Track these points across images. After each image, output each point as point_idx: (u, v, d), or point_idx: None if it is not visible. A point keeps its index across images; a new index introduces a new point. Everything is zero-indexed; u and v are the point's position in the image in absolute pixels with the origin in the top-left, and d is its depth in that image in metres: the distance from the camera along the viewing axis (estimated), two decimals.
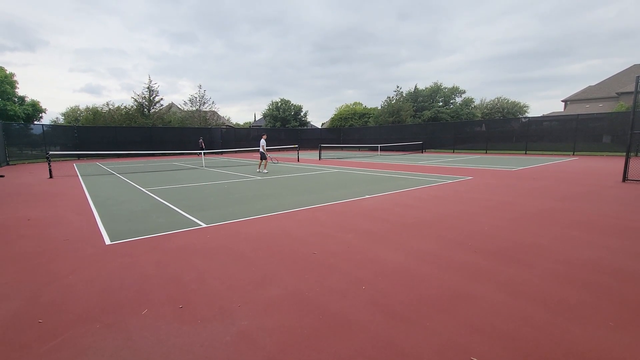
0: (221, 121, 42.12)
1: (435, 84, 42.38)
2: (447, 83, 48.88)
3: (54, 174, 12.56)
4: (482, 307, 2.59)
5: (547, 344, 2.13)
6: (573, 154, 20.89)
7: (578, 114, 22.39)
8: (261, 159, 12.96)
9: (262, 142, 13.11)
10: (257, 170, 13.24)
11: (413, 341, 2.18)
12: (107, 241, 4.38)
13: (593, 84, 37.82)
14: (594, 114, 22.66)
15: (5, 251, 4.10)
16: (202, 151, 20.56)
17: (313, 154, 25.10)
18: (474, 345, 2.12)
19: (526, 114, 47.81)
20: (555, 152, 22.04)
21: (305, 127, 46.11)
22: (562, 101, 39.77)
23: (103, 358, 2.06)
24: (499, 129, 26.18)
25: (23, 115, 25.79)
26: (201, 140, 28.84)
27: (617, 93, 32.30)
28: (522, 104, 49.30)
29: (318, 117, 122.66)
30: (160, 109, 34.22)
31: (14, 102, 25.52)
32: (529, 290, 2.86)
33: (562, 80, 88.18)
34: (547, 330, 2.28)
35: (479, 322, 2.39)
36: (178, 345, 2.18)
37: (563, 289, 2.89)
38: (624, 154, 9.44)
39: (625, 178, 9.14)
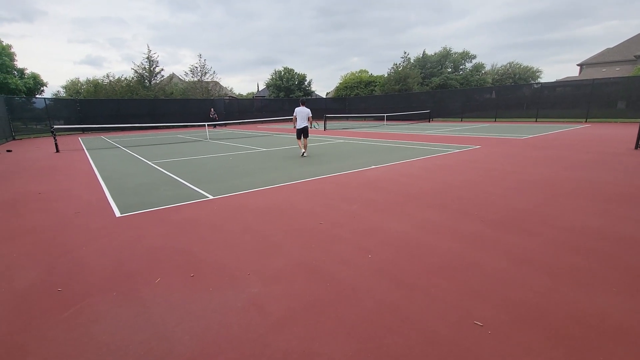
0: (224, 92, 41.31)
1: (445, 48, 40.60)
2: (456, 48, 46.73)
3: (60, 148, 12.64)
4: (486, 275, 2.63)
5: (549, 308, 2.17)
6: (585, 121, 20.27)
7: (594, 79, 21.39)
8: (305, 136, 9.20)
9: (308, 110, 9.16)
10: (303, 154, 9.27)
11: (417, 307, 2.24)
12: (117, 214, 4.47)
13: (611, 46, 35.89)
14: (610, 78, 21.68)
15: (19, 224, 4.22)
16: (215, 122, 19.43)
17: (318, 125, 24.73)
18: (477, 311, 2.17)
19: (539, 79, 46.08)
20: (567, 120, 21.39)
21: (310, 97, 45.11)
22: (578, 65, 38.02)
23: (120, 323, 2.17)
24: (509, 96, 25.32)
25: (24, 88, 25.46)
26: (212, 110, 27.92)
27: (635, 56, 30.72)
28: (535, 69, 47.45)
29: (323, 86, 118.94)
30: (161, 80, 33.57)
31: (14, 76, 25.11)
32: (533, 258, 2.89)
33: (578, 43, 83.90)
34: (549, 296, 2.32)
35: (482, 289, 2.44)
36: (192, 311, 2.27)
37: (567, 256, 2.91)
38: (639, 120, 9.12)
39: (638, 145, 8.90)
